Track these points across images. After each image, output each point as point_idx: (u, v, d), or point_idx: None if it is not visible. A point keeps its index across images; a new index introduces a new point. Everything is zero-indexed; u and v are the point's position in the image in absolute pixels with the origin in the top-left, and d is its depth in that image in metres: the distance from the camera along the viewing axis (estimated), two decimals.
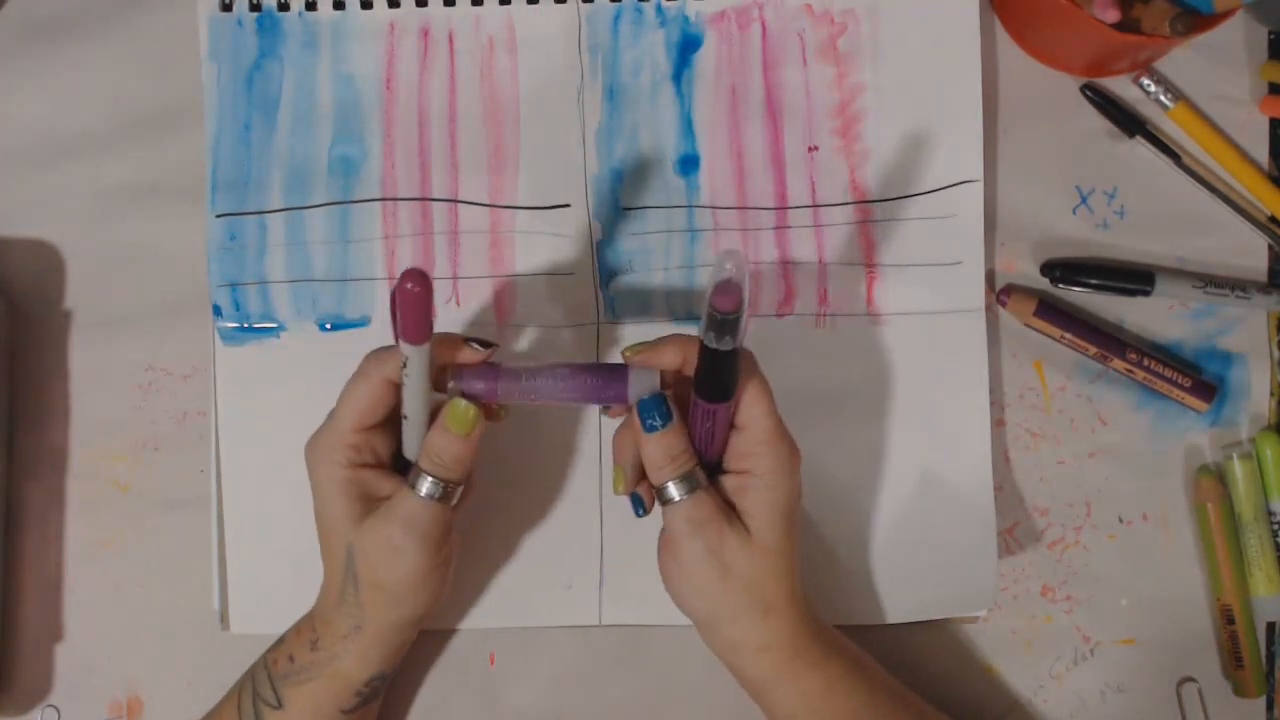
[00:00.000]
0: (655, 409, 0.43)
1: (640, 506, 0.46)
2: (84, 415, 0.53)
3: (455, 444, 0.43)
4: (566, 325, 0.53)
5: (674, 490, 0.43)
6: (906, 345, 0.53)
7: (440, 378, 0.44)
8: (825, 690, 0.45)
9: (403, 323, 0.39)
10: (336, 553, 0.45)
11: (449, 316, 0.53)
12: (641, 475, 0.45)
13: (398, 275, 0.52)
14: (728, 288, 0.37)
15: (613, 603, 0.52)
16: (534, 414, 0.52)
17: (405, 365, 0.41)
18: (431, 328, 0.40)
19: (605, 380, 0.43)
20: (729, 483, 0.44)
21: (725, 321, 0.38)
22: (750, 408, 0.43)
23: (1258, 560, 0.53)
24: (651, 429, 0.43)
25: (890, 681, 0.48)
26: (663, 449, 0.43)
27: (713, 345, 0.39)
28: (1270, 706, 0.54)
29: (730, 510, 0.44)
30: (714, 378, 0.42)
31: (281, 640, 0.47)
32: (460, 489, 0.44)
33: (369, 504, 0.44)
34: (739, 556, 0.43)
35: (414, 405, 0.43)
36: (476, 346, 0.43)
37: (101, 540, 0.53)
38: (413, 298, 0.38)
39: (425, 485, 0.43)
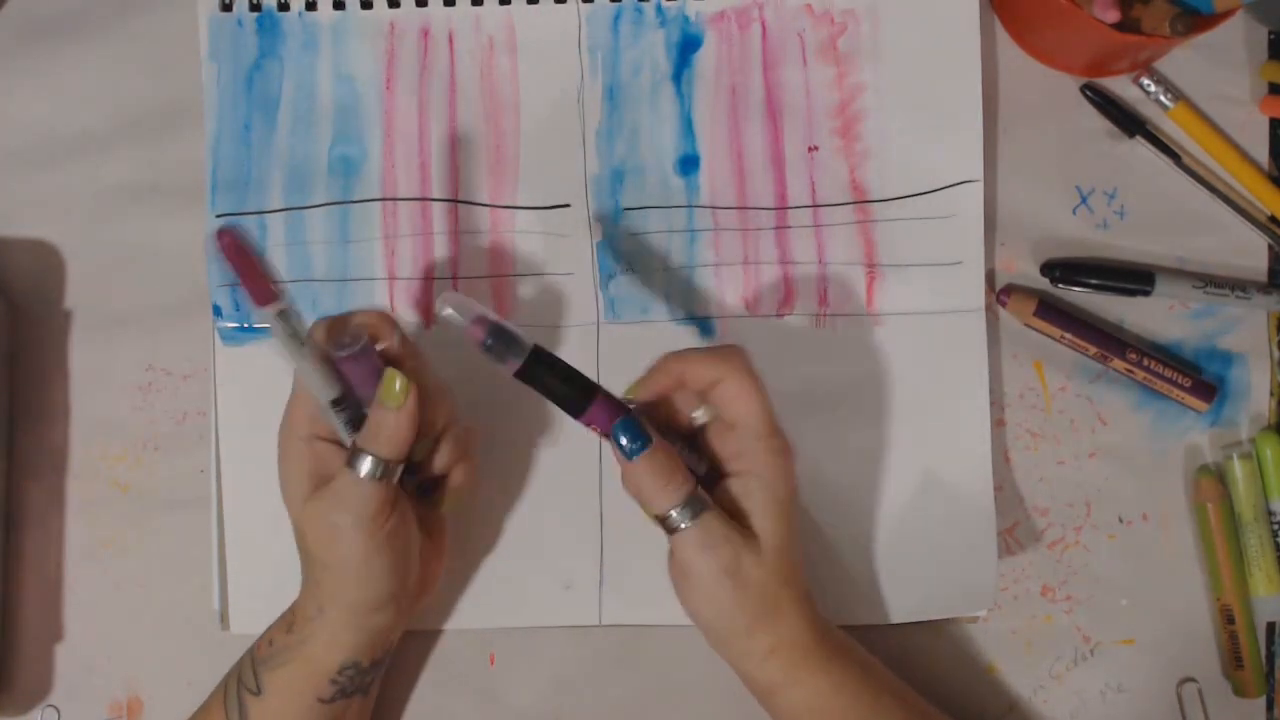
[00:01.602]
0: (630, 434, 0.41)
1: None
2: (84, 415, 0.53)
3: (389, 418, 0.42)
4: (566, 325, 0.53)
5: (680, 516, 0.42)
6: (906, 345, 0.53)
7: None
8: (833, 692, 0.45)
9: (241, 283, 0.38)
10: (296, 531, 0.44)
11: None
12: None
13: (398, 275, 0.53)
14: (473, 323, 0.39)
15: (613, 603, 0.52)
16: (533, 414, 0.52)
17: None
18: (275, 285, 0.38)
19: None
20: (730, 484, 0.44)
21: (491, 348, 0.40)
22: (740, 404, 0.43)
23: (1258, 560, 0.53)
24: (633, 454, 0.42)
25: (896, 683, 0.48)
26: (653, 473, 0.42)
27: (514, 372, 0.40)
28: (1270, 706, 0.54)
29: (734, 520, 0.43)
30: (552, 395, 0.42)
31: (268, 628, 0.47)
32: (400, 467, 0.43)
33: (320, 480, 0.43)
34: (752, 568, 0.43)
35: (316, 388, 0.41)
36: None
37: (101, 540, 0.53)
38: (227, 251, 0.37)
39: (364, 465, 0.42)
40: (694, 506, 0.42)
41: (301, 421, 0.44)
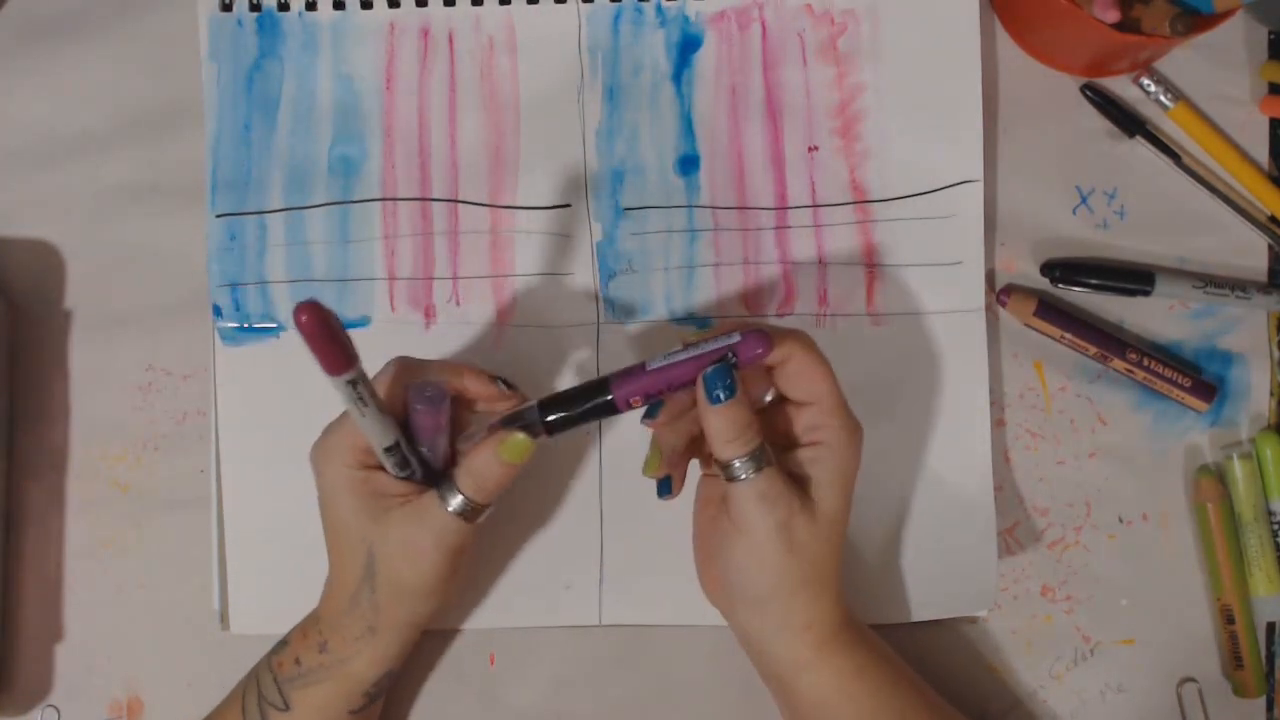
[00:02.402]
0: (721, 380, 0.42)
1: (668, 489, 0.46)
2: (84, 415, 0.53)
3: (500, 471, 0.43)
4: (566, 325, 0.53)
5: (744, 467, 0.43)
6: (906, 345, 0.53)
7: (463, 414, 0.45)
8: (856, 673, 0.45)
9: (314, 356, 0.37)
10: (353, 553, 0.44)
11: (449, 316, 0.53)
12: (675, 460, 0.46)
13: (398, 275, 0.53)
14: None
15: (613, 603, 0.52)
16: None
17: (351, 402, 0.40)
18: (348, 357, 0.38)
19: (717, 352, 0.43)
20: (801, 455, 0.45)
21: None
22: (814, 384, 0.44)
23: (1258, 560, 0.53)
24: (717, 400, 0.42)
25: (910, 672, 0.48)
26: (730, 421, 0.43)
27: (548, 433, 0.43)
28: (1270, 706, 0.54)
29: (796, 484, 0.44)
30: (586, 419, 0.43)
31: (285, 643, 0.47)
32: (487, 511, 0.44)
33: (382, 502, 0.44)
34: (806, 531, 0.44)
35: (374, 437, 0.42)
36: (504, 387, 0.45)
37: (101, 540, 0.53)
38: (306, 329, 0.36)
39: (456, 502, 0.43)
40: (758, 460, 0.43)
41: (351, 450, 0.44)
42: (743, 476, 0.43)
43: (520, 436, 0.43)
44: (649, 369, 0.43)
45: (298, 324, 0.36)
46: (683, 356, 0.43)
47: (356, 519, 0.44)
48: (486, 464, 0.43)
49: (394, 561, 0.44)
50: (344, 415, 0.44)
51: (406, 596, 0.45)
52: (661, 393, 0.43)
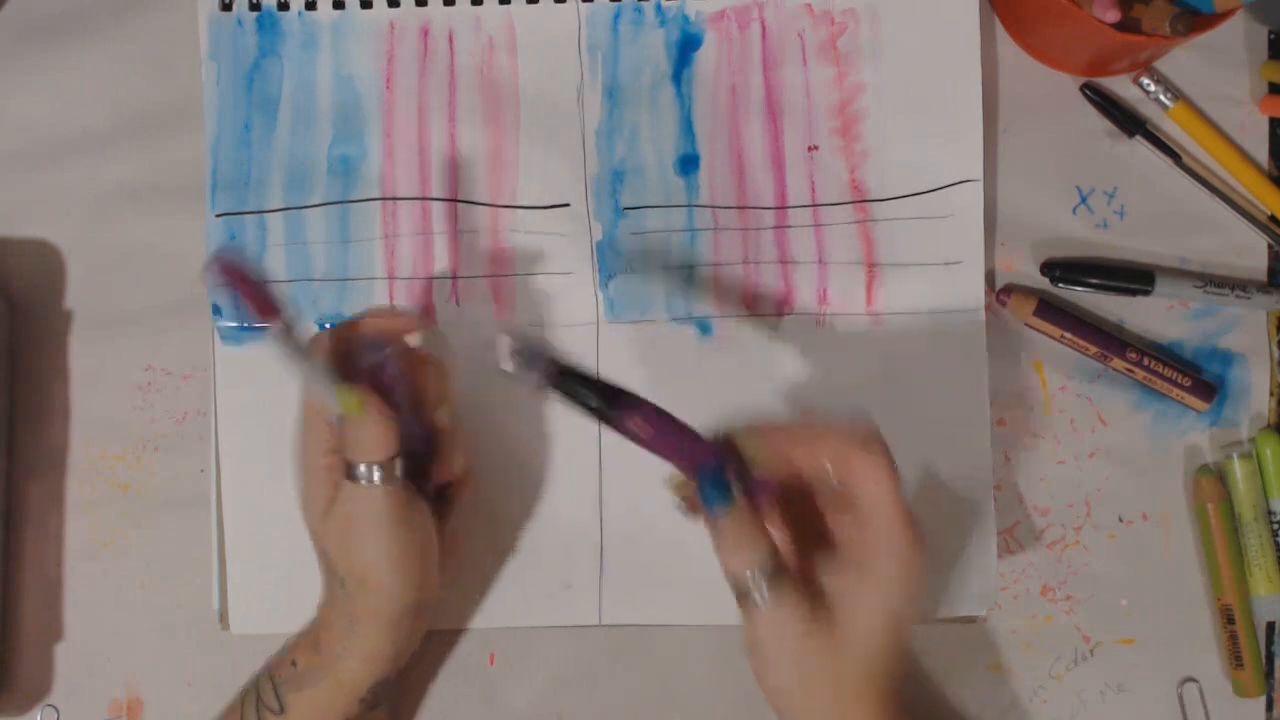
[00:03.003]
0: (716, 491, 0.39)
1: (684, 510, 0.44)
2: (84, 415, 0.53)
3: (359, 427, 0.42)
4: (566, 325, 0.53)
5: (754, 584, 0.39)
6: (906, 345, 0.53)
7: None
8: None
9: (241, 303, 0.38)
10: (318, 547, 0.45)
11: (449, 316, 0.53)
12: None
13: (398, 275, 0.53)
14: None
15: (613, 603, 0.52)
16: (533, 414, 0.52)
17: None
18: (272, 304, 0.38)
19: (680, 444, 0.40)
20: (831, 564, 0.41)
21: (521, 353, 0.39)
22: (871, 484, 0.39)
23: (1258, 560, 0.53)
24: (714, 514, 0.39)
25: None
26: (732, 533, 0.39)
27: (546, 380, 0.39)
28: (1270, 706, 0.54)
29: (817, 598, 0.40)
30: (585, 404, 0.40)
31: (286, 646, 0.47)
32: (398, 461, 0.43)
33: (332, 491, 0.44)
34: (827, 660, 0.39)
35: (329, 398, 0.41)
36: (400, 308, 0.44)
37: (101, 540, 0.53)
38: (223, 275, 0.37)
39: (359, 471, 0.42)
40: (769, 577, 0.39)
41: (317, 443, 0.44)
42: (756, 604, 0.39)
43: (343, 388, 0.41)
44: (652, 425, 0.40)
45: (214, 272, 0.37)
46: (678, 434, 0.40)
47: (312, 512, 0.44)
48: (349, 426, 0.42)
49: (339, 558, 0.44)
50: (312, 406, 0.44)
51: (368, 585, 0.44)
52: (651, 442, 0.40)
